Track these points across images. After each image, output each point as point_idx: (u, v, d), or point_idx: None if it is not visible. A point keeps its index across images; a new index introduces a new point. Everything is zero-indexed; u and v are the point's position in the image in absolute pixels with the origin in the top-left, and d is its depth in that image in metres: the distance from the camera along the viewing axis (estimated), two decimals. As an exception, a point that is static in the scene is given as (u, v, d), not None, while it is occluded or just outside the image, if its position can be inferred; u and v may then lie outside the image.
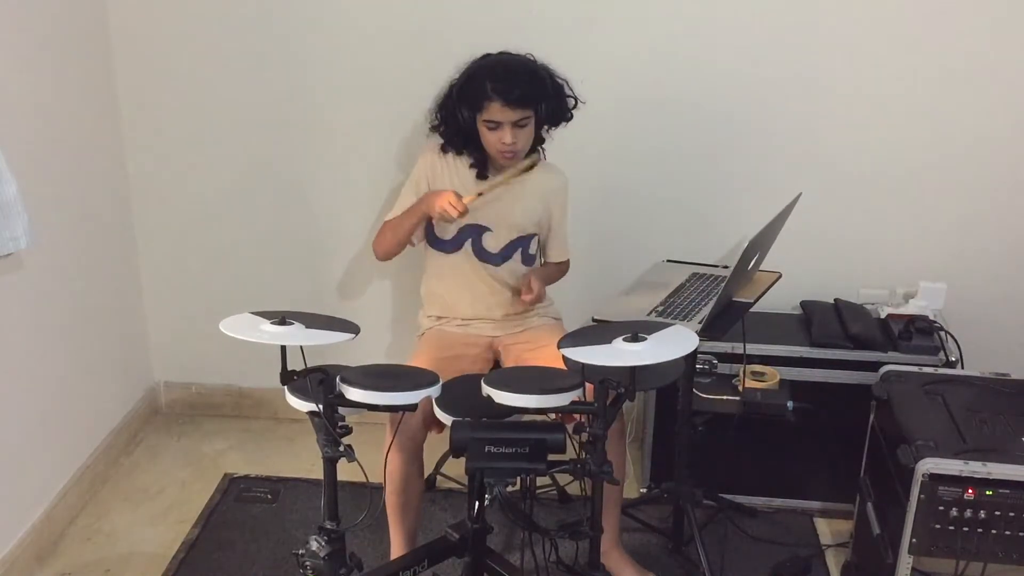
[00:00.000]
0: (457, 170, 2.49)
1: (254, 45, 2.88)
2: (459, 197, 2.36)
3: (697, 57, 2.79)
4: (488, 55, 2.41)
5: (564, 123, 2.48)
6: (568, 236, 2.66)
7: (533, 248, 2.59)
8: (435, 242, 2.55)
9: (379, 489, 2.20)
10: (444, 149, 2.49)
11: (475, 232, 2.50)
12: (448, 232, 2.51)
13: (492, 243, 2.52)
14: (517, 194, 2.50)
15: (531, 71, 2.38)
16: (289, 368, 1.91)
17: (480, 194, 2.41)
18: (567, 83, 2.45)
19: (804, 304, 2.88)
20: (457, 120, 2.39)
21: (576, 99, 2.46)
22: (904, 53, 2.72)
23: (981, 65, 2.71)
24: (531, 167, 2.46)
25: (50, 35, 2.62)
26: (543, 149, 2.54)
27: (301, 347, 1.91)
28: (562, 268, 2.69)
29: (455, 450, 1.91)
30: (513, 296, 2.56)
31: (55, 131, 2.66)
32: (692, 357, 2.48)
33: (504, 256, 2.53)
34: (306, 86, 2.91)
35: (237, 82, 2.92)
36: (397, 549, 2.38)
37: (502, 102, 2.31)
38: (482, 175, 2.47)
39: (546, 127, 2.48)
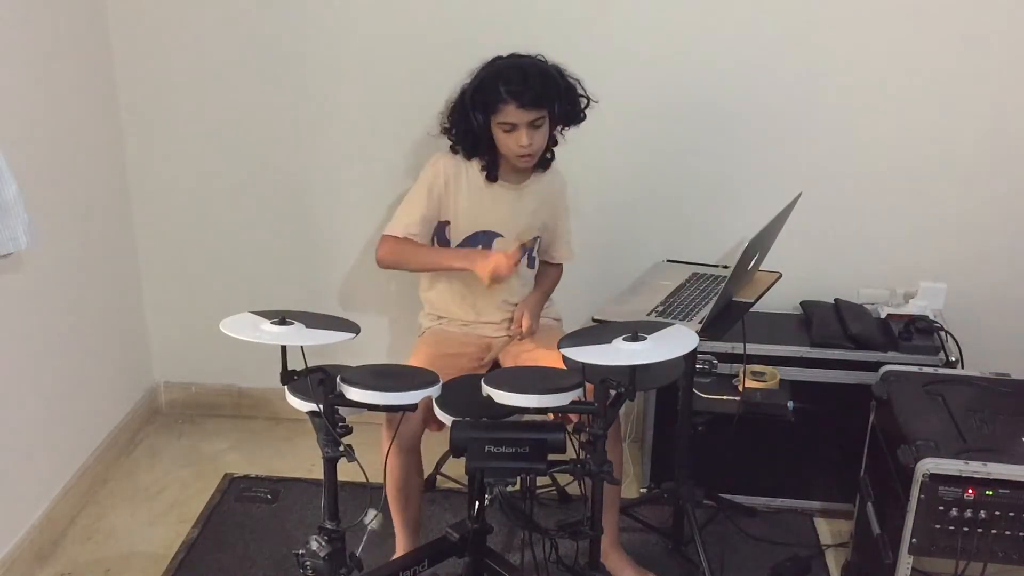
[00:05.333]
0: (469, 175, 2.48)
1: (255, 45, 2.88)
2: (507, 256, 2.32)
3: (697, 58, 2.79)
4: (499, 58, 2.39)
5: (577, 123, 2.46)
6: (572, 236, 2.66)
7: (536, 250, 2.60)
8: None
9: (379, 489, 2.20)
10: (454, 150, 2.47)
11: (486, 240, 2.49)
12: (451, 242, 2.50)
13: (504, 249, 2.51)
14: (526, 198, 2.50)
15: (543, 72, 2.36)
16: (289, 368, 1.92)
17: (523, 244, 2.42)
18: (579, 83, 2.43)
19: (804, 304, 2.88)
20: (470, 124, 2.37)
21: (589, 99, 2.44)
22: (904, 53, 2.72)
23: (982, 65, 2.71)
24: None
25: (50, 35, 2.62)
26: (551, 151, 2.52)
27: (301, 347, 1.91)
28: (559, 270, 2.70)
29: (455, 450, 1.91)
30: (510, 302, 2.56)
31: (55, 131, 2.66)
32: (692, 357, 2.48)
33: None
34: (306, 85, 2.91)
35: (237, 81, 2.92)
36: (401, 542, 2.40)
37: (517, 104, 2.30)
38: (491, 177, 2.46)
39: (560, 128, 2.46)
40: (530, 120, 2.33)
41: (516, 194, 2.49)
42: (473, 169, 2.47)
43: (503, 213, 2.48)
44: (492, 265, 2.31)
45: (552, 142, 2.48)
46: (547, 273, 2.68)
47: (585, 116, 2.46)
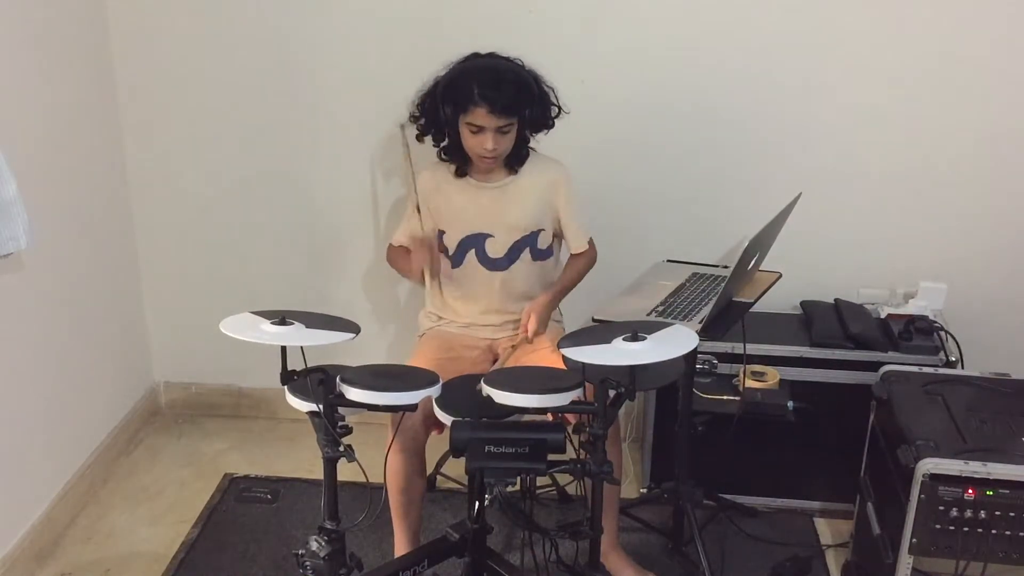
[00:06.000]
0: (449, 183, 2.48)
1: (255, 46, 2.88)
2: (420, 244, 2.44)
3: (697, 57, 2.79)
4: (476, 55, 2.39)
5: (545, 131, 2.45)
6: (584, 222, 2.60)
7: (543, 243, 2.54)
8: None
9: (379, 489, 2.20)
10: (419, 139, 2.47)
11: (477, 241, 2.49)
12: (448, 250, 2.51)
13: (496, 248, 2.50)
14: (511, 194, 2.49)
15: (519, 79, 2.35)
16: (289, 368, 1.92)
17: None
18: (553, 91, 2.43)
19: (804, 304, 2.88)
20: (438, 116, 2.37)
21: (560, 108, 2.44)
22: (904, 53, 2.72)
23: (981, 65, 2.71)
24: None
25: (50, 35, 2.62)
26: (532, 149, 2.52)
27: (301, 347, 1.91)
28: (587, 258, 2.62)
29: (455, 450, 1.91)
30: (519, 301, 2.55)
31: (55, 131, 2.66)
32: (692, 357, 2.48)
33: (511, 259, 2.52)
34: (306, 86, 2.91)
35: (237, 82, 2.92)
36: (401, 547, 2.39)
37: (488, 108, 2.29)
38: (460, 173, 2.46)
39: (529, 131, 2.45)
40: (498, 126, 2.32)
41: (499, 193, 2.48)
42: (452, 176, 2.47)
43: (489, 213, 2.48)
44: (416, 265, 2.43)
45: (524, 141, 2.45)
46: (570, 266, 2.63)
47: (554, 124, 2.45)
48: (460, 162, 2.46)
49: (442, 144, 2.45)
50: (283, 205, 3.06)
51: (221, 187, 3.05)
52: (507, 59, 2.39)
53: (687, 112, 2.84)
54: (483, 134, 2.33)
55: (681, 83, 2.81)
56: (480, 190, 2.48)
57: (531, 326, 2.44)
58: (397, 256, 2.59)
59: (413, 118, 2.46)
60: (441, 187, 2.49)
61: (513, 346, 2.50)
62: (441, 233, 2.52)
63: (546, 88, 2.42)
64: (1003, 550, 2.06)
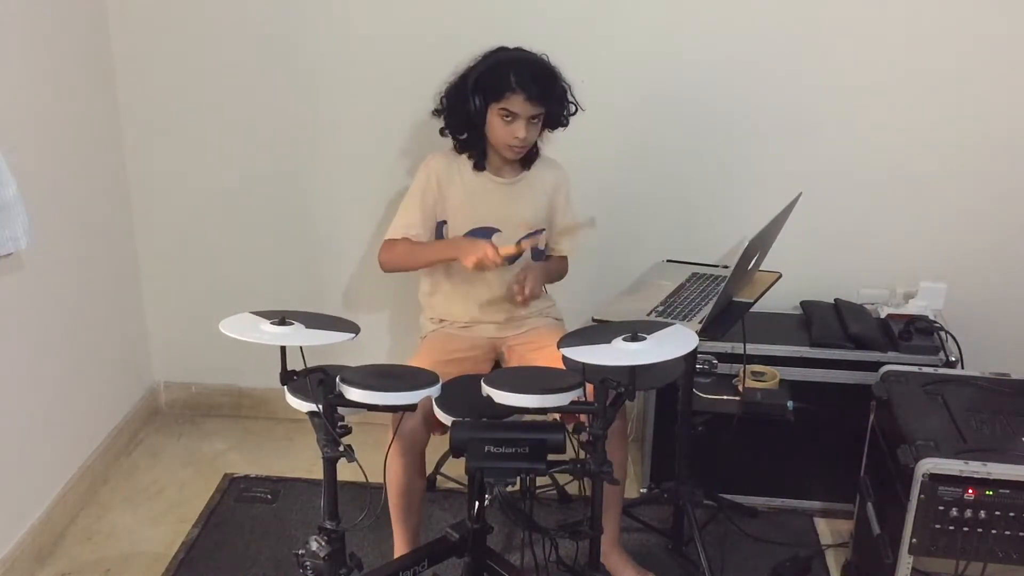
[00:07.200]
0: (462, 172, 2.48)
1: (254, 45, 2.88)
2: (496, 249, 2.32)
3: (697, 57, 2.79)
4: (504, 48, 2.41)
5: (561, 128, 2.47)
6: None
7: (542, 243, 2.58)
8: None
9: (379, 489, 2.20)
10: (443, 132, 2.48)
11: (483, 235, 2.49)
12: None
13: (502, 244, 2.51)
14: (521, 192, 2.51)
15: (551, 71, 2.40)
16: (289, 368, 1.92)
17: (519, 245, 2.40)
18: (570, 89, 2.45)
19: (804, 304, 2.88)
20: (467, 107, 2.37)
21: (576, 106, 2.46)
22: (905, 53, 2.72)
23: (981, 65, 2.71)
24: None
25: (50, 35, 2.62)
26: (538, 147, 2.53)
27: (301, 347, 1.91)
28: (564, 264, 2.69)
29: (455, 450, 1.91)
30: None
31: (55, 131, 2.66)
32: (692, 357, 2.48)
33: (515, 256, 2.53)
34: (306, 85, 2.91)
35: (237, 82, 2.92)
36: (400, 548, 2.39)
37: (524, 96, 2.33)
38: (479, 167, 2.47)
39: (545, 129, 2.47)
40: (531, 114, 2.36)
41: (510, 189, 2.49)
42: (466, 166, 2.47)
43: (498, 209, 2.48)
44: (479, 255, 2.30)
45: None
46: (553, 263, 2.67)
47: (568, 123, 2.47)
48: (479, 156, 2.46)
49: (461, 137, 2.45)
50: (283, 205, 3.06)
51: (221, 187, 3.05)
52: (534, 53, 2.42)
53: (687, 112, 2.84)
54: (516, 122, 2.36)
55: (681, 83, 2.81)
56: (493, 184, 2.48)
57: (529, 284, 2.42)
58: (405, 250, 2.47)
59: (437, 111, 2.47)
60: (454, 176, 2.48)
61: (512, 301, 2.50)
62: (442, 223, 2.51)
63: (565, 85, 2.44)
64: (1003, 550, 2.06)
